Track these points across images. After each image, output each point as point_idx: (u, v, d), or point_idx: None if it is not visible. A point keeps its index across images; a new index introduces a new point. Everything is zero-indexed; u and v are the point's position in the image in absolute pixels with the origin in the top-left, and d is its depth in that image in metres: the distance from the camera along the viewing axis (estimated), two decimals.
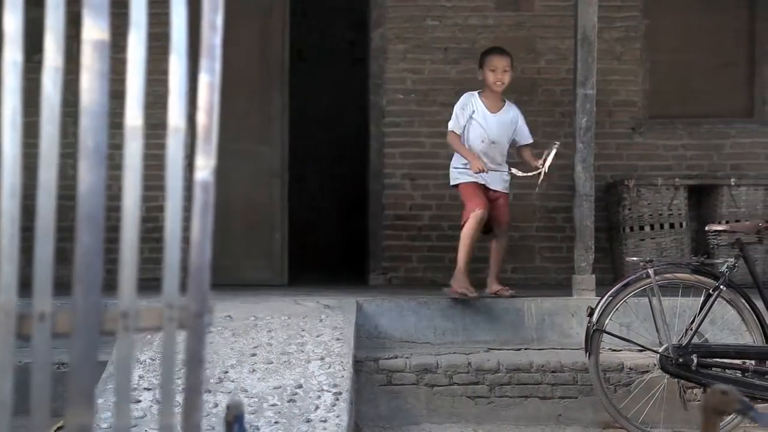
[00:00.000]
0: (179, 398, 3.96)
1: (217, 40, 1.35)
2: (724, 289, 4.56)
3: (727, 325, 5.08)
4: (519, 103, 7.19)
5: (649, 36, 7.23)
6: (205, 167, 1.33)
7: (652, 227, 6.70)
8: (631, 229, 6.73)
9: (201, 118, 1.35)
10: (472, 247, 5.40)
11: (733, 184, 6.65)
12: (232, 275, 7.09)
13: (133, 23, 1.31)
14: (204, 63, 1.36)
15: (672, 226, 6.69)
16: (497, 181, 5.52)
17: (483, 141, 5.50)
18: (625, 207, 6.74)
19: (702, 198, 6.91)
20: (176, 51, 1.35)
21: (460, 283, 5.35)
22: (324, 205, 10.03)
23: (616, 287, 4.67)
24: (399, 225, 7.18)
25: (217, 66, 1.36)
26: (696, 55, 7.23)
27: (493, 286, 5.34)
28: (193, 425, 1.23)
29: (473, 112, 5.48)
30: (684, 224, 6.69)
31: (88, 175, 1.24)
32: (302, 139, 9.55)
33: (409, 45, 7.18)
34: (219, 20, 1.35)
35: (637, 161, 7.21)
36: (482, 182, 5.46)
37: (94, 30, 1.28)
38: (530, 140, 5.62)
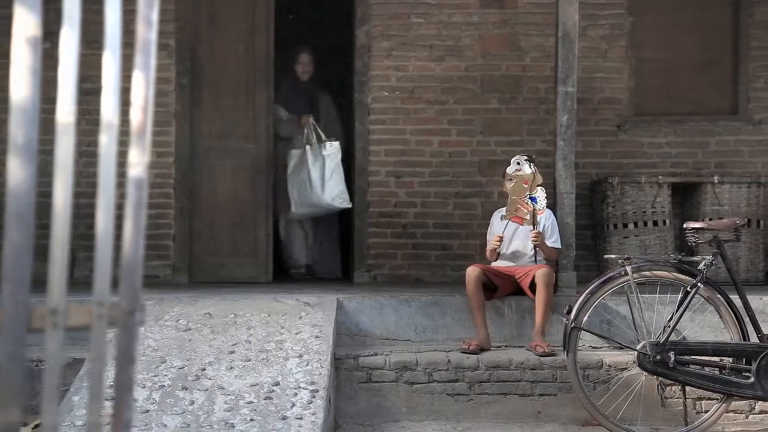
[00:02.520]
0: (154, 395, 3.91)
1: (153, 35, 1.34)
2: (702, 286, 4.57)
3: (707, 323, 5.09)
4: (503, 101, 7.23)
5: (634, 33, 7.23)
6: (138, 164, 1.32)
7: (635, 225, 6.70)
8: (615, 226, 6.73)
9: (135, 114, 1.34)
10: (478, 306, 5.19)
11: (716, 181, 6.65)
12: (217, 273, 7.10)
13: (66, 18, 1.30)
14: (138, 59, 1.35)
15: (656, 223, 6.69)
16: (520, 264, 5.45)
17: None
18: (609, 204, 6.74)
19: (686, 196, 6.91)
20: (110, 47, 1.34)
21: (472, 338, 5.20)
22: None
23: (593, 285, 4.68)
24: (384, 222, 7.18)
25: (152, 62, 1.35)
26: (681, 53, 7.23)
27: (534, 340, 5.25)
28: (123, 423, 1.23)
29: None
30: (668, 222, 6.69)
31: (18, 173, 1.23)
32: None
33: (394, 42, 7.18)
34: (154, 16, 1.34)
35: (622, 159, 7.21)
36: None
37: (27, 25, 1.27)
38: (557, 245, 5.46)
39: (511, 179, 5.37)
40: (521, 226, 5.37)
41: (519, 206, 5.24)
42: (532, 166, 5.32)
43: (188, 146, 7.14)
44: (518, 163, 5.34)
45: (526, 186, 5.26)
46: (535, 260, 5.37)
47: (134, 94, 1.37)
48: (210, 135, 7.18)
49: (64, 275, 1.28)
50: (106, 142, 1.33)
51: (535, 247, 5.33)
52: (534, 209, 5.25)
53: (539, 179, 5.30)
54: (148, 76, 1.36)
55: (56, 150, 1.31)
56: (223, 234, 7.16)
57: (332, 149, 6.99)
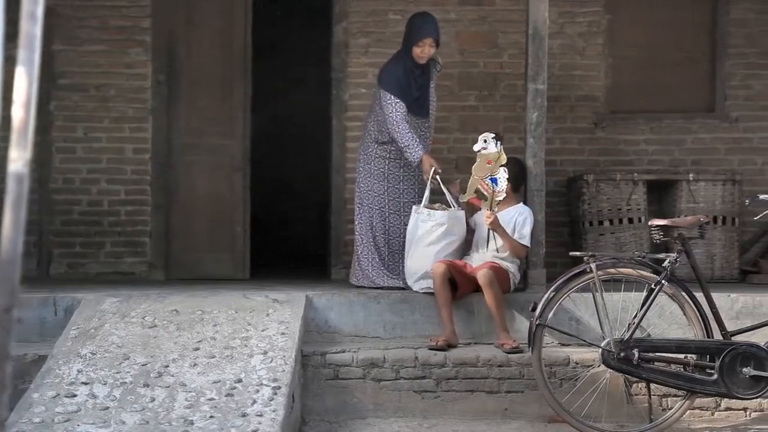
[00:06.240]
0: (115, 392, 3.89)
1: (37, 30, 1.34)
2: (666, 283, 4.57)
3: (675, 320, 5.09)
4: (481, 98, 7.23)
5: (612, 31, 7.23)
6: (19, 159, 1.32)
7: (611, 222, 6.70)
8: (591, 224, 6.73)
9: (17, 110, 1.34)
10: (444, 302, 5.20)
11: (691, 179, 6.65)
12: (194, 269, 7.09)
13: None
14: (22, 54, 1.35)
15: (631, 221, 6.69)
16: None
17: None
18: (585, 202, 6.73)
19: (662, 193, 6.91)
20: None
21: (440, 335, 5.18)
22: (299, 200, 10.05)
23: (558, 282, 4.68)
24: None
25: (36, 57, 1.34)
26: (658, 51, 7.23)
27: (500, 338, 5.18)
28: None
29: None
30: (643, 219, 6.68)
31: None
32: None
33: (371, 39, 7.16)
34: (39, 11, 1.34)
35: (599, 156, 7.21)
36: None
37: None
38: (524, 242, 5.42)
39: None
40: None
41: (479, 186, 5.15)
42: (498, 145, 5.21)
43: (165, 143, 7.12)
44: (485, 141, 5.22)
45: (489, 166, 5.14)
46: (487, 245, 5.37)
47: (16, 90, 1.36)
48: (187, 131, 7.17)
49: None
50: None
51: (489, 231, 5.29)
52: (494, 191, 5.16)
53: (503, 159, 5.16)
54: (32, 72, 1.36)
55: None
56: (201, 231, 7.15)
57: (431, 221, 5.48)
